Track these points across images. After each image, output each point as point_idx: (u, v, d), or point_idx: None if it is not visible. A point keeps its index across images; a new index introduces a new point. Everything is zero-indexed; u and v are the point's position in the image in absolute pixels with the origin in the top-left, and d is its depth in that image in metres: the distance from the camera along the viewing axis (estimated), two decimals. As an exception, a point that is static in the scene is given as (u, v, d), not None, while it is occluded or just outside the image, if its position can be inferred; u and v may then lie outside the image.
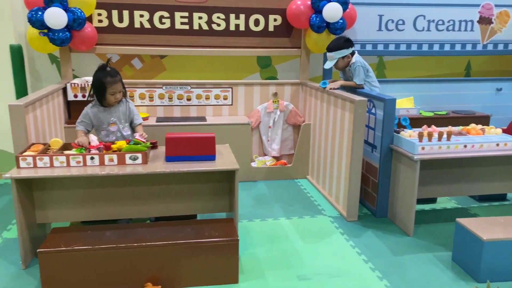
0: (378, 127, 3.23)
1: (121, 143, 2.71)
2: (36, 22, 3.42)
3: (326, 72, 4.28)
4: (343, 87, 3.58)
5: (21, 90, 3.79)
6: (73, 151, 2.62)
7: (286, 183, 4.06)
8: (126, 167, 2.58)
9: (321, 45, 4.01)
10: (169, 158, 2.70)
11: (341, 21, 3.90)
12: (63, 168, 2.53)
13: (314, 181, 4.00)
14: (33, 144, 2.77)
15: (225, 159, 2.77)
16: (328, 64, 3.67)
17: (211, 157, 2.72)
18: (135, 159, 2.62)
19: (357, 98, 3.09)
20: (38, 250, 2.26)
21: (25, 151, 2.62)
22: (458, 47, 4.48)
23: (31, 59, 4.03)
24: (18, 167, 2.51)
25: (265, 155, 4.34)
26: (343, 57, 3.59)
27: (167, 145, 2.69)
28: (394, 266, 2.64)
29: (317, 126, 3.88)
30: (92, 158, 2.58)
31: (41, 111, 3.07)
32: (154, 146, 2.97)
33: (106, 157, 2.59)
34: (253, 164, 4.16)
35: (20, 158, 2.50)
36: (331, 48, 3.59)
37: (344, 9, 3.85)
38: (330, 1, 3.83)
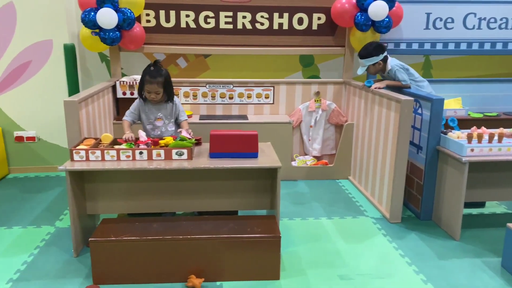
0: (424, 127, 3.15)
1: (168, 139, 2.79)
2: (89, 22, 3.57)
3: (370, 72, 4.22)
4: (388, 87, 3.51)
5: (73, 87, 3.97)
6: (123, 146, 2.73)
7: (327, 183, 4.03)
8: (173, 162, 2.65)
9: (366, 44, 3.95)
10: (213, 155, 2.75)
11: (387, 19, 3.83)
12: (114, 162, 2.64)
13: (356, 182, 3.95)
14: (85, 138, 2.90)
15: (267, 156, 2.80)
16: (360, 70, 3.64)
17: (254, 155, 2.75)
18: (181, 154, 2.70)
19: (403, 97, 3.03)
20: (89, 239, 2.37)
21: (78, 145, 2.75)
22: (511, 46, 4.28)
23: (83, 58, 4.22)
24: (72, 159, 2.64)
25: (306, 154, 4.33)
26: (373, 64, 3.54)
27: (211, 141, 2.74)
28: (439, 270, 2.57)
29: (360, 126, 3.83)
30: (141, 153, 2.67)
31: (92, 107, 3.21)
32: (198, 142, 3.04)
33: (154, 152, 2.68)
34: (294, 164, 4.16)
35: (74, 151, 2.63)
36: (361, 55, 3.57)
37: (390, 7, 3.78)
38: (376, -1, 3.77)
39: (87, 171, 2.70)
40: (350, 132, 4.03)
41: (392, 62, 3.55)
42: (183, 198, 2.85)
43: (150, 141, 2.77)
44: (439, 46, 4.28)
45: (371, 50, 3.50)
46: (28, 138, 4.13)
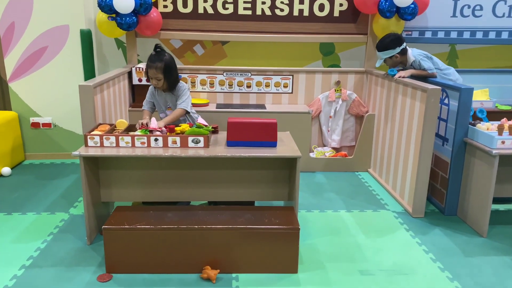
0: (451, 118, 3.01)
1: (185, 126, 2.71)
2: (105, 6, 3.51)
3: (393, 61, 4.07)
4: (413, 76, 3.37)
5: (89, 73, 3.92)
6: (138, 132, 2.66)
7: (346, 175, 3.91)
8: (188, 150, 2.57)
9: (389, 31, 3.80)
10: (230, 143, 2.66)
11: (412, 5, 3.67)
12: (128, 149, 2.57)
13: (377, 175, 3.82)
14: (100, 124, 2.84)
15: (286, 146, 2.69)
16: (378, 63, 3.52)
17: (273, 144, 2.65)
18: (197, 142, 2.61)
19: (430, 86, 2.88)
20: (103, 226, 2.31)
21: (92, 130, 2.69)
22: (543, 35, 4.08)
23: (99, 44, 4.16)
24: (86, 145, 2.58)
25: (325, 145, 4.22)
26: (390, 57, 3.40)
27: (229, 129, 2.65)
28: (466, 267, 2.45)
29: (382, 117, 3.69)
30: (156, 140, 2.59)
31: (107, 93, 3.15)
32: (215, 130, 2.95)
33: (170, 139, 2.60)
34: (312, 155, 4.05)
35: (88, 136, 2.57)
36: (377, 47, 3.45)
37: (417, -7, 3.62)
38: (402, -15, 3.61)
39: (101, 158, 2.64)
40: (371, 123, 3.89)
41: (414, 52, 3.41)
42: (198, 187, 2.77)
43: (166, 128, 2.69)
44: (466, 35, 4.10)
45: (388, 42, 3.37)
46: (44, 125, 4.11)
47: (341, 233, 2.82)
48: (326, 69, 4.12)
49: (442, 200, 3.14)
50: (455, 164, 3.00)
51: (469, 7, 4.02)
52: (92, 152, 2.52)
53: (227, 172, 2.75)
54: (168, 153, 2.51)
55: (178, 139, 2.60)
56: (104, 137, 2.57)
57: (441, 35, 4.07)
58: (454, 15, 4.03)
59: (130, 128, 2.82)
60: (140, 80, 3.76)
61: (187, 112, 2.96)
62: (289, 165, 2.74)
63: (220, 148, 2.63)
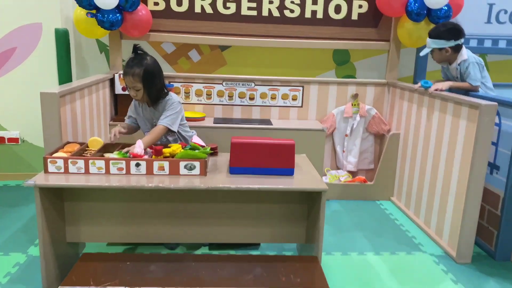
0: (503, 141, 2.45)
1: (175, 147, 2.11)
2: (84, 0, 2.93)
3: (420, 71, 3.53)
4: (451, 90, 2.81)
5: (64, 80, 3.32)
6: (114, 154, 2.05)
7: (365, 205, 3.32)
8: (180, 179, 1.97)
9: (417, 37, 3.27)
10: (234, 170, 2.07)
11: (446, 8, 3.14)
12: (101, 176, 1.97)
13: (402, 205, 3.24)
14: (68, 143, 2.23)
15: (306, 174, 2.11)
16: (423, 51, 2.95)
17: (289, 171, 2.07)
18: (191, 168, 2.02)
19: (483, 102, 2.32)
20: (59, 287, 1.69)
21: (56, 151, 2.08)
22: None
23: (78, 46, 3.57)
24: (46, 171, 1.98)
25: (339, 168, 3.63)
26: (440, 49, 2.84)
27: (233, 152, 2.06)
28: None
29: (410, 137, 3.12)
30: (137, 165, 1.99)
31: (81, 103, 2.55)
32: (214, 152, 2.36)
33: (156, 164, 2.00)
34: (325, 179, 3.47)
35: (48, 160, 1.96)
36: (430, 33, 2.87)
37: (452, -7, 3.10)
38: (434, -17, 3.09)
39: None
40: (395, 144, 3.32)
41: (470, 54, 2.85)
42: (191, 225, 2.17)
43: (151, 150, 2.09)
44: (502, 44, 3.58)
45: (443, 31, 2.81)
46: (10, 140, 3.48)
47: (373, 284, 2.22)
48: (341, 80, 3.56)
49: (491, 241, 2.57)
50: (510, 198, 2.43)
51: (505, 12, 3.50)
52: (52, 181, 1.91)
53: (229, 206, 2.16)
54: (153, 183, 1.91)
55: (166, 164, 2.01)
56: (69, 160, 1.97)
57: (473, 43, 3.55)
58: (488, 21, 3.52)
59: (107, 149, 2.22)
60: (124, 88, 3.16)
61: (170, 131, 2.36)
62: (308, 197, 2.15)
63: (221, 177, 2.03)
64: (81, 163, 1.97)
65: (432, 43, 2.84)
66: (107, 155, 2.10)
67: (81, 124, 2.54)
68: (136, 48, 2.32)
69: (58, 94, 2.14)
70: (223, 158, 2.34)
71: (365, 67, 3.78)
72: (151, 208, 2.14)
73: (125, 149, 2.11)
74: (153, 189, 1.94)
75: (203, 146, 2.18)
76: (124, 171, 1.99)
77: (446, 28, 2.81)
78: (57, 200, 2.06)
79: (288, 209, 2.18)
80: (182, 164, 2.01)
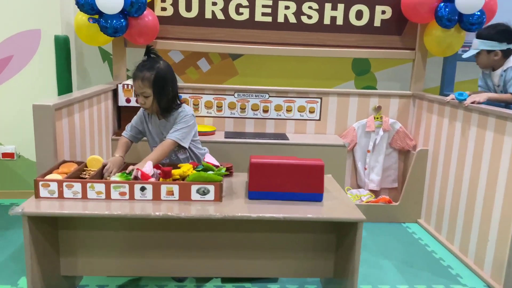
0: (555, 161, 2.17)
1: (186, 168, 1.84)
2: (86, 5, 2.69)
3: (448, 82, 3.27)
4: (489, 102, 2.54)
5: (64, 91, 3.07)
6: (116, 177, 1.79)
7: (391, 228, 3.03)
8: (192, 206, 1.70)
9: (446, 46, 3.01)
10: (253, 194, 1.80)
11: (479, 13, 2.88)
12: (101, 202, 1.70)
13: (431, 229, 2.95)
14: (64, 162, 1.97)
15: (336, 199, 1.83)
16: (467, 53, 2.68)
17: (317, 197, 1.79)
18: (205, 193, 1.75)
19: (535, 116, 2.05)
20: None
21: (50, 172, 1.82)
22: None
23: (80, 55, 3.34)
24: (38, 196, 1.71)
25: (360, 187, 3.35)
26: (488, 52, 2.58)
27: (252, 174, 1.79)
28: None
29: (441, 154, 2.84)
30: (143, 189, 1.72)
31: (81, 116, 2.30)
32: (229, 172, 2.09)
33: (164, 188, 1.73)
34: (345, 199, 3.18)
35: (40, 183, 1.70)
36: (480, 33, 2.61)
37: (486, -3, 2.84)
38: (466, -14, 2.83)
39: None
40: (423, 161, 3.04)
41: None
42: (202, 257, 1.90)
43: (158, 171, 1.82)
44: (537, 53, 3.30)
45: (495, 32, 2.56)
46: (5, 155, 3.22)
47: (411, 327, 1.93)
48: (363, 91, 3.30)
49: (540, 273, 2.26)
50: None
51: (541, 18, 3.23)
52: (44, 208, 1.65)
53: (246, 236, 1.89)
54: (161, 211, 1.64)
55: (176, 188, 1.74)
56: (64, 184, 1.70)
57: (505, 52, 3.27)
58: (522, 28, 3.24)
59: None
60: (128, 100, 2.92)
61: (181, 148, 2.10)
62: (337, 227, 1.87)
63: (238, 203, 1.76)
64: (77, 186, 1.71)
65: (481, 44, 2.58)
66: (110, 177, 1.83)
67: (80, 141, 2.28)
68: (149, 50, 2.08)
69: (53, 106, 1.88)
70: (239, 179, 2.07)
71: (387, 78, 3.52)
72: (157, 237, 1.87)
73: (130, 168, 1.84)
74: (161, 218, 1.67)
75: (217, 166, 1.92)
76: (127, 196, 1.73)
77: (500, 30, 2.55)
78: (50, 228, 1.79)
79: (313, 239, 1.90)
80: (194, 188, 1.74)
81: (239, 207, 1.72)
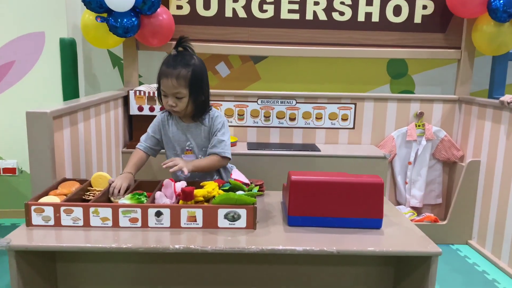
0: None
1: (210, 187, 1.50)
2: (93, 2, 2.40)
3: (498, 84, 2.89)
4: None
5: (70, 99, 2.78)
6: (126, 199, 1.46)
7: (439, 250, 2.65)
8: (219, 236, 1.36)
9: (499, 43, 2.65)
10: (294, 220, 1.45)
11: (538, 4, 2.52)
12: (106, 232, 1.36)
13: (487, 252, 2.56)
14: (65, 180, 1.65)
15: (397, 225, 1.48)
16: None
17: (375, 223, 1.44)
18: (235, 219, 1.40)
19: None
20: None
21: (46, 193, 1.50)
22: None
23: (88, 59, 3.05)
24: (29, 223, 1.39)
25: (400, 204, 2.98)
26: None
27: (293, 194, 1.44)
28: None
29: (498, 166, 2.47)
30: (159, 214, 1.39)
31: (86, 126, 1.98)
32: (260, 190, 1.75)
33: (184, 212, 1.39)
34: (384, 217, 2.81)
35: (32, 208, 1.37)
36: None
37: (547, -15, 2.48)
38: (524, -27, 2.48)
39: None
40: (474, 174, 2.66)
41: None
42: (231, 294, 1.55)
43: (175, 192, 1.49)
44: None
45: None
46: (6, 170, 2.93)
47: None
48: (402, 95, 2.94)
49: None
50: None
51: None
52: (36, 240, 1.32)
53: (283, 269, 1.54)
54: (181, 244, 1.30)
55: (199, 212, 1.40)
56: (62, 208, 1.37)
57: (563, 50, 2.90)
58: None
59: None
60: (141, 108, 2.61)
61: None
62: (397, 259, 1.51)
63: (276, 231, 1.41)
64: (78, 211, 1.38)
65: None
66: (115, 199, 1.51)
67: (85, 155, 1.96)
68: (182, 41, 1.75)
69: (50, 114, 1.57)
70: (272, 199, 1.73)
71: (426, 81, 3.16)
72: (174, 271, 1.53)
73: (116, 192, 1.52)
74: (181, 252, 1.33)
75: (247, 184, 1.58)
76: (139, 223, 1.39)
77: None
78: (45, 261, 1.46)
79: (366, 273, 1.55)
80: (221, 212, 1.40)
81: (278, 236, 1.37)
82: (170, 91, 1.70)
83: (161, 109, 2.34)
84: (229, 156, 1.81)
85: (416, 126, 2.87)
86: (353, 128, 2.92)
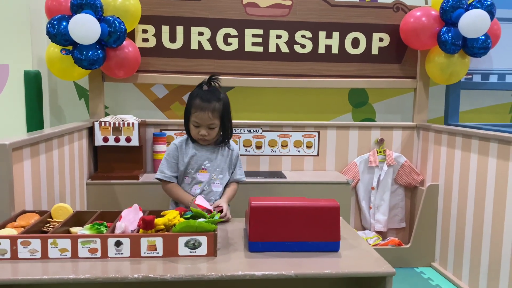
0: None
1: (171, 215, 1.51)
2: (58, 35, 2.43)
3: (452, 111, 3.06)
4: None
5: (34, 130, 2.75)
6: (85, 230, 1.45)
7: (403, 273, 2.71)
8: (179, 263, 1.37)
9: (450, 73, 2.82)
10: (255, 246, 1.48)
11: (483, 37, 2.71)
12: (65, 263, 1.35)
13: (449, 273, 2.63)
14: (24, 212, 1.63)
15: (354, 248, 1.52)
16: None
17: (332, 246, 1.48)
18: (195, 246, 1.42)
19: None
20: None
21: (4, 226, 1.48)
22: None
23: (53, 91, 3.04)
24: (-15, 257, 1.36)
25: (365, 228, 3.04)
26: None
27: (253, 221, 1.48)
28: None
29: (455, 188, 2.58)
30: (118, 244, 1.39)
31: (48, 158, 1.97)
32: (224, 219, 1.78)
33: (144, 242, 1.40)
34: (350, 242, 2.86)
35: (-12, 241, 1.35)
36: None
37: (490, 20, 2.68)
38: (468, 9, 2.68)
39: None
40: (433, 197, 2.77)
41: None
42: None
43: (138, 223, 1.49)
44: (542, 79, 3.14)
45: None
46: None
47: None
48: (363, 123, 3.06)
49: None
50: None
51: (543, 43, 3.10)
52: (-10, 273, 1.29)
53: (247, 296, 1.54)
54: (141, 273, 1.30)
55: (159, 241, 1.41)
56: (19, 241, 1.36)
57: (510, 79, 3.11)
58: (526, 53, 3.10)
59: (79, 219, 1.61)
60: (106, 139, 2.61)
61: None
62: (357, 282, 1.55)
63: (237, 257, 1.43)
64: (36, 243, 1.36)
65: None
66: (74, 230, 1.50)
67: (46, 186, 1.94)
68: (213, 78, 1.94)
69: (10, 146, 1.57)
70: (235, 226, 1.76)
71: (386, 110, 3.30)
72: (138, 302, 1.52)
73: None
74: (141, 281, 1.33)
75: (209, 211, 1.60)
76: (99, 254, 1.38)
77: None
78: (1, 297, 1.42)
79: (328, 296, 1.57)
80: (181, 240, 1.41)
81: (238, 263, 1.39)
82: (205, 122, 1.86)
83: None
84: (244, 180, 2.09)
85: (377, 152, 2.98)
86: (318, 155, 3.00)
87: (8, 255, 1.36)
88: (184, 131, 1.98)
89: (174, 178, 1.96)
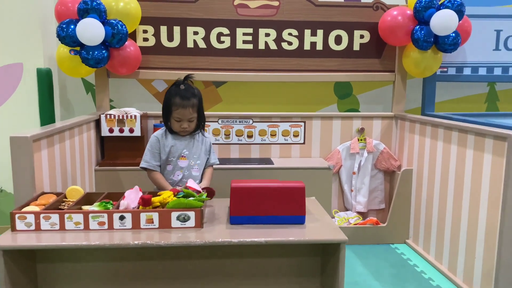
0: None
1: (166, 195, 1.82)
2: (67, 37, 2.72)
3: (428, 102, 3.32)
4: None
5: (47, 123, 3.06)
6: (94, 206, 1.76)
7: (379, 249, 3.01)
8: (172, 233, 1.68)
9: (424, 67, 3.08)
10: (235, 219, 1.78)
11: (453, 34, 2.96)
12: (79, 233, 1.67)
13: (420, 249, 2.93)
14: (43, 193, 1.94)
15: (318, 221, 1.82)
16: None
17: (299, 219, 1.78)
18: (185, 220, 1.73)
19: (511, 132, 2.08)
20: None
21: (27, 204, 1.79)
22: None
23: (63, 87, 3.35)
24: (14, 229, 1.68)
25: (347, 209, 3.34)
26: None
27: (233, 199, 1.78)
28: None
29: (425, 173, 2.86)
30: (122, 218, 1.70)
31: (61, 147, 2.28)
32: (211, 197, 2.07)
33: (143, 216, 1.71)
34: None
35: (16, 216, 1.67)
36: None
37: (459, 19, 2.92)
38: (440, 9, 2.92)
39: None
40: (408, 181, 3.05)
41: None
42: (186, 284, 1.85)
43: (140, 199, 1.80)
44: (512, 71, 3.39)
45: None
46: (-13, 190, 3.17)
47: None
48: (345, 113, 3.33)
49: (530, 290, 2.25)
50: (548, 240, 2.14)
51: (514, 38, 3.34)
52: (20, 241, 1.61)
53: (229, 262, 1.86)
54: (140, 240, 1.61)
55: (156, 215, 1.71)
56: (41, 215, 1.67)
57: (482, 71, 3.36)
58: (497, 48, 3.34)
59: (89, 199, 1.92)
60: (111, 130, 2.91)
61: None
62: (322, 249, 1.86)
63: (220, 228, 1.74)
64: (55, 218, 1.68)
65: None
66: (86, 207, 1.81)
67: (60, 172, 2.25)
68: (188, 77, 2.23)
69: (31, 138, 1.87)
70: (222, 204, 2.06)
71: (369, 100, 3.57)
72: (139, 267, 1.83)
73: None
74: (140, 247, 1.64)
75: (198, 192, 1.90)
76: (106, 226, 1.70)
77: None
78: (27, 262, 1.74)
79: (298, 263, 1.88)
80: (174, 215, 1.72)
81: (220, 232, 1.69)
82: (186, 117, 2.14)
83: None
84: (217, 162, 2.37)
85: (358, 140, 3.26)
86: (304, 143, 3.29)
87: (33, 227, 1.68)
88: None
89: (158, 167, 2.21)
